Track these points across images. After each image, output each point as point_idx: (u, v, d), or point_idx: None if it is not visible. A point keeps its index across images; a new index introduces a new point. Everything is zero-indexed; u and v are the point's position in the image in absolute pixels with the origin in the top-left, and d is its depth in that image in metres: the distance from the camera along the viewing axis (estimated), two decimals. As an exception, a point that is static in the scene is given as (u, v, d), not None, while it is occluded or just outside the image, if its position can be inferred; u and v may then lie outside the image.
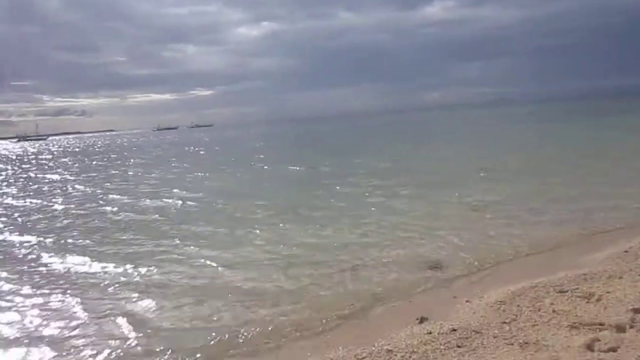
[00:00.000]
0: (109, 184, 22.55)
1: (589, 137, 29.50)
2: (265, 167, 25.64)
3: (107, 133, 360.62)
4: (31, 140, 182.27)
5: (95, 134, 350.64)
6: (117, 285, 7.65)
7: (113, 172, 29.27)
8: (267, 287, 7.13)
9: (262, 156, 31.20)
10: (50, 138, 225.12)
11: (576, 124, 43.61)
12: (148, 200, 16.19)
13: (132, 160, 39.05)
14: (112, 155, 49.91)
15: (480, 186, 14.05)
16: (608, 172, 14.85)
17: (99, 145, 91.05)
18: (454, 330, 4.93)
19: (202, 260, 8.66)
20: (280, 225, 11.03)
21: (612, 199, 10.87)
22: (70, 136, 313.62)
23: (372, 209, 12.11)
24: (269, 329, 5.74)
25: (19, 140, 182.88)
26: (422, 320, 5.51)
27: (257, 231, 10.61)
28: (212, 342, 5.52)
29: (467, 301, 5.87)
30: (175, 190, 17.91)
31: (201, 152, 44.73)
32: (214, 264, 8.41)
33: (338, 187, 15.87)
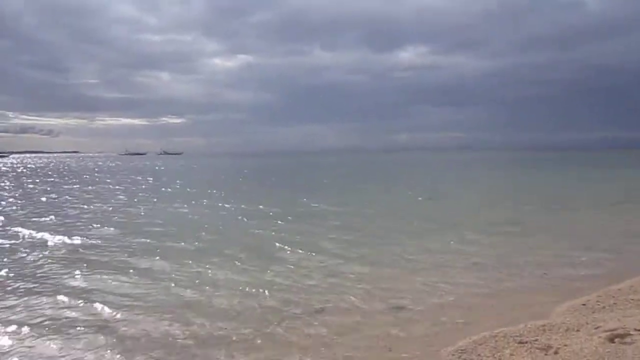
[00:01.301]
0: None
1: (554, 186, 30.58)
2: (205, 202, 23.42)
3: (73, 154, 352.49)
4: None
5: (60, 154, 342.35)
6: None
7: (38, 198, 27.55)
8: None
9: (214, 191, 29.31)
10: (12, 155, 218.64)
11: (544, 174, 45.13)
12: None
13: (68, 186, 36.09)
14: (51, 179, 47.32)
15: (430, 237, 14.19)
16: (553, 224, 15.35)
17: (50, 166, 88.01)
18: (416, 377, 4.95)
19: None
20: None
21: (570, 251, 11.19)
22: (33, 155, 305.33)
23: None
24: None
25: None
26: (384, 365, 5.52)
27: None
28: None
29: (428, 347, 5.91)
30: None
31: (149, 180, 43.21)
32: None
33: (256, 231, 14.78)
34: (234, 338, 6.40)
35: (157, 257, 11.05)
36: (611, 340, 5.52)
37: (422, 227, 15.02)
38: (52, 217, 18.08)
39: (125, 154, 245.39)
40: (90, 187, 34.30)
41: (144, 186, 35.78)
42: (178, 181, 41.47)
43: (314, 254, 11.28)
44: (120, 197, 26.91)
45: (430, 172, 53.96)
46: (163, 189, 32.99)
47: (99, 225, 15.82)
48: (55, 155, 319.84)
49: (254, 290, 8.52)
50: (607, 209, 19.04)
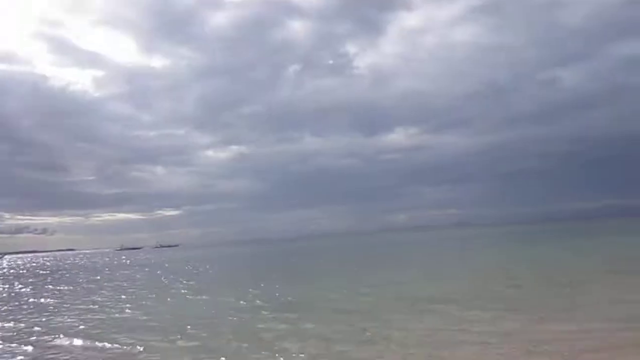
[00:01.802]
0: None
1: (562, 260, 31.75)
2: (188, 295, 23.86)
3: (68, 252, 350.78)
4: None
5: (54, 253, 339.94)
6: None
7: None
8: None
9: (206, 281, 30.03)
10: (6, 256, 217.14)
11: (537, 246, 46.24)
12: None
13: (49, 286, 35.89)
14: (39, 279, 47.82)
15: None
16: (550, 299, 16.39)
17: (46, 266, 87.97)
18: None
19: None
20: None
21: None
22: (27, 255, 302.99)
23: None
24: None
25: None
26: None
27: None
28: None
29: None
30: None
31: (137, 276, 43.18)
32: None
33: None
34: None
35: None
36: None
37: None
38: None
39: (121, 249, 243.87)
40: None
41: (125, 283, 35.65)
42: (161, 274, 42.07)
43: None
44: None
45: (430, 251, 54.81)
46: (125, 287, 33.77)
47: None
48: (48, 254, 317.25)
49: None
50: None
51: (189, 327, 14.73)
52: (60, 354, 12.41)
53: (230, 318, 16.17)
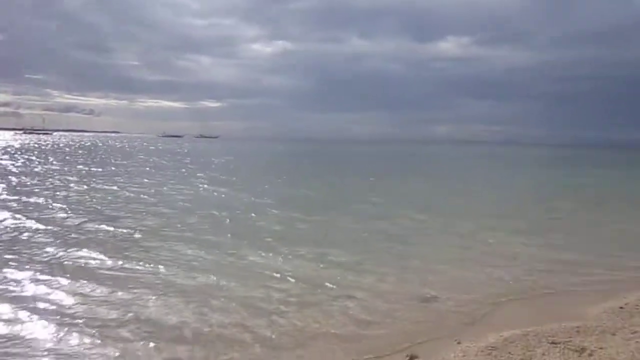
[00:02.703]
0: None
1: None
2: (206, 186, 23.56)
3: (112, 134, 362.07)
4: (37, 133, 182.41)
5: (99, 134, 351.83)
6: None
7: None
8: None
9: (234, 178, 28.59)
10: (55, 133, 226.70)
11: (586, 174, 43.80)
12: None
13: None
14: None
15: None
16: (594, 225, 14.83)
17: (101, 145, 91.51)
18: (443, 371, 4.92)
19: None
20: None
21: (611, 252, 10.85)
22: (75, 133, 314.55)
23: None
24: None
25: (24, 132, 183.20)
26: (412, 358, 5.50)
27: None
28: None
29: (458, 342, 5.85)
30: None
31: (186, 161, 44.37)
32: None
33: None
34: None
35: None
36: (649, 346, 5.34)
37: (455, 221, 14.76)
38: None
39: (163, 136, 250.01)
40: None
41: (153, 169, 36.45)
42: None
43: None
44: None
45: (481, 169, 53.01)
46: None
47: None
48: (96, 134, 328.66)
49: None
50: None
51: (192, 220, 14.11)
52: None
53: (238, 212, 15.53)
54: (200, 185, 23.58)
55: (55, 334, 5.97)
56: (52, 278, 8.09)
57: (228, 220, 14.11)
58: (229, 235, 12.05)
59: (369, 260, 9.87)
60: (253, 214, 15.08)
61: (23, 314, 6.54)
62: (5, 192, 18.85)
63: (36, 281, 7.95)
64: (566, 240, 12.20)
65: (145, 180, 25.60)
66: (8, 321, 6.32)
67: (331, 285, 8.10)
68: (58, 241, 10.76)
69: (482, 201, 20.61)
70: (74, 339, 5.84)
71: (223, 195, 20.07)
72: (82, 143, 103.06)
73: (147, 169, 34.94)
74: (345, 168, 43.10)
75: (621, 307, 7.00)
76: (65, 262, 9.12)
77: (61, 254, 9.66)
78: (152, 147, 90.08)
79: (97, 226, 12.59)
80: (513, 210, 17.51)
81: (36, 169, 30.77)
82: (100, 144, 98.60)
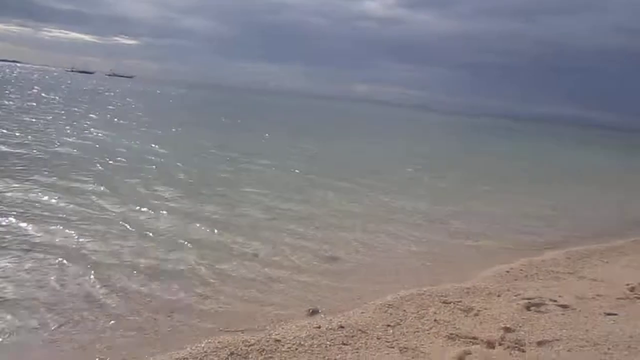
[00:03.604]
0: None
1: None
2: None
3: (12, 63, 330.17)
4: None
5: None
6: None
7: None
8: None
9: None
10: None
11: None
12: None
13: None
14: None
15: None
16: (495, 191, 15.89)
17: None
18: (342, 327, 5.12)
19: None
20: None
21: (506, 219, 11.68)
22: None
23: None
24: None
25: None
26: (312, 312, 5.67)
27: None
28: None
29: (358, 299, 6.11)
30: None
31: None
32: None
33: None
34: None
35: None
36: (527, 307, 5.86)
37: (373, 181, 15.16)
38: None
39: (72, 71, 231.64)
40: None
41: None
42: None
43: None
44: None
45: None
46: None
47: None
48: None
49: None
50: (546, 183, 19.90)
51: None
52: None
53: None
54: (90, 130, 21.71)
55: None
56: None
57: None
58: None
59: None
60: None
61: None
62: None
63: None
64: (465, 205, 12.95)
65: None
66: None
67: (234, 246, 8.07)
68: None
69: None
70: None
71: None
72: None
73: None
74: (248, 122, 42.52)
75: (507, 272, 7.60)
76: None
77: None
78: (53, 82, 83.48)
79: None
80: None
81: None
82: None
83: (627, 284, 7.10)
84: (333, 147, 25.22)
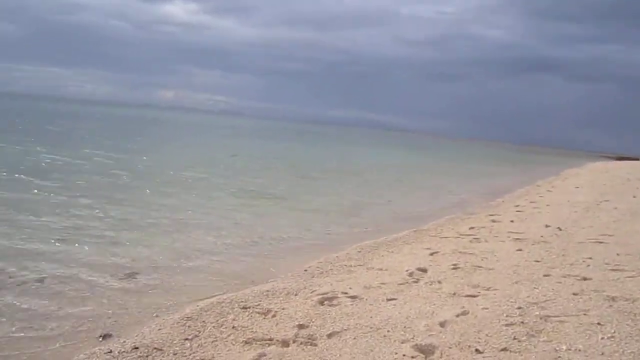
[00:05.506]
0: None
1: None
2: None
3: None
4: None
5: None
6: None
7: None
8: None
9: None
10: None
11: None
12: None
13: None
14: None
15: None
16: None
17: None
18: (136, 348, 4.83)
19: None
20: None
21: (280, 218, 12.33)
22: None
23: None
24: None
25: None
26: (104, 337, 5.26)
27: None
28: None
29: (155, 316, 5.84)
30: None
31: None
32: None
33: None
34: None
35: None
36: (321, 302, 6.24)
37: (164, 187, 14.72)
38: None
39: None
40: None
41: None
42: None
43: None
44: None
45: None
46: None
47: None
48: None
49: None
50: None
51: None
52: None
53: None
54: None
55: None
56: None
57: None
58: None
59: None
60: None
61: None
62: None
63: None
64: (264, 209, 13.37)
65: None
66: None
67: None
68: None
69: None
70: None
71: None
72: None
73: None
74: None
75: (305, 270, 8.01)
76: None
77: None
78: None
79: None
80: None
81: None
82: None
83: (407, 270, 7.99)
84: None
